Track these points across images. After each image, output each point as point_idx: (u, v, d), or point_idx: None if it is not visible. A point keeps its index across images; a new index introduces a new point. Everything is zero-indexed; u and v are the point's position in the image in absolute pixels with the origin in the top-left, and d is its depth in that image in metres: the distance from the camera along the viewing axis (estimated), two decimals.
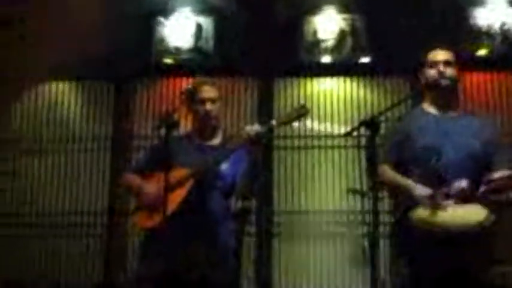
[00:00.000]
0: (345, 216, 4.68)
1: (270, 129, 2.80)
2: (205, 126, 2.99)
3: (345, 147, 4.79)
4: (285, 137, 4.86)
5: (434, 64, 2.67)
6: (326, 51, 4.88)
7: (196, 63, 4.85)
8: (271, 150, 4.82)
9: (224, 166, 2.87)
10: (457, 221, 2.36)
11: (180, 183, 2.78)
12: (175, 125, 2.67)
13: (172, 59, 4.90)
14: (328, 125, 4.90)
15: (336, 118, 4.89)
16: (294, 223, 4.73)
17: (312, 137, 4.88)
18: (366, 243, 4.40)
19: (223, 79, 4.84)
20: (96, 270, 4.79)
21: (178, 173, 2.74)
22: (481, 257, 2.47)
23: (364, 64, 4.84)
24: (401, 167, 2.66)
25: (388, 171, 2.65)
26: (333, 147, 4.84)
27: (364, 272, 4.48)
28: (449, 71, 2.65)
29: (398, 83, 4.84)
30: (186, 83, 4.26)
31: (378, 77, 4.89)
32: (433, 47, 2.73)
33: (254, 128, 2.78)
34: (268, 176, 4.74)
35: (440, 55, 2.69)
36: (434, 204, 2.39)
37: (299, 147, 4.87)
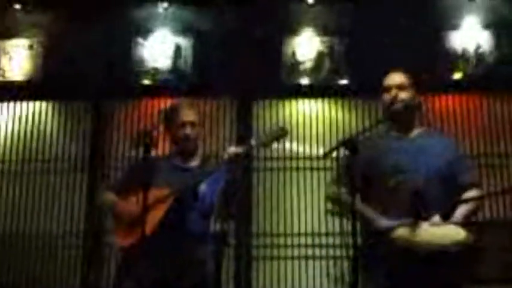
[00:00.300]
0: (325, 239, 4.66)
1: (249, 150, 2.81)
2: (184, 148, 2.99)
3: (325, 169, 4.78)
4: (265, 158, 4.85)
5: (388, 88, 2.69)
6: (304, 72, 4.91)
7: (175, 83, 4.85)
8: (251, 172, 4.79)
9: (203, 187, 2.87)
10: (436, 241, 2.38)
11: (158, 203, 2.76)
12: (152, 144, 2.67)
13: (150, 79, 4.89)
14: (307, 146, 4.90)
15: (314, 140, 4.90)
16: (273, 245, 4.69)
17: (291, 158, 4.87)
18: (346, 265, 4.42)
19: (201, 100, 4.88)
20: None
21: (157, 193, 2.73)
22: (460, 275, 2.48)
23: (342, 86, 4.87)
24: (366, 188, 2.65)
25: (344, 195, 2.62)
26: (312, 168, 4.84)
27: None
28: (403, 95, 2.64)
29: (376, 104, 4.86)
30: (164, 104, 4.22)
31: (356, 99, 4.91)
32: (390, 71, 2.74)
33: (233, 149, 2.79)
34: (247, 197, 4.72)
35: (393, 79, 2.69)
36: (411, 223, 2.40)
37: (278, 169, 4.86)
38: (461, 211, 2.51)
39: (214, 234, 3.59)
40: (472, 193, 2.60)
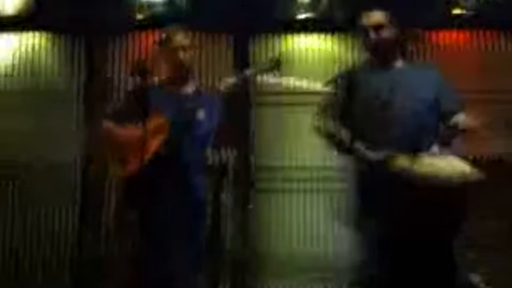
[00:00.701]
0: (324, 172, 4.69)
1: (244, 80, 2.81)
2: (178, 74, 2.97)
3: None
4: (263, 94, 4.82)
5: (366, 28, 2.64)
6: (302, 7, 4.81)
7: (170, 17, 4.74)
8: (249, 107, 4.78)
9: (200, 114, 2.85)
10: (439, 172, 2.30)
11: (155, 132, 2.75)
12: (149, 71, 2.66)
13: (145, 13, 4.78)
14: (305, 81, 4.86)
15: (312, 75, 4.85)
16: (273, 179, 4.73)
17: (290, 93, 4.84)
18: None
19: (197, 34, 4.79)
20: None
21: (153, 121, 2.72)
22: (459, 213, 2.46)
23: (340, 20, 4.78)
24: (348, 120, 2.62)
25: (330, 125, 2.60)
26: (311, 103, 4.81)
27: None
28: (383, 34, 2.61)
29: None
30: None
31: (353, 33, 4.84)
32: (366, 9, 2.70)
33: (229, 79, 2.79)
34: (246, 133, 4.72)
35: (370, 19, 2.65)
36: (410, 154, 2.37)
37: (277, 104, 4.83)
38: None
39: (213, 166, 3.63)
40: (459, 118, 2.54)
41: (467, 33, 4.92)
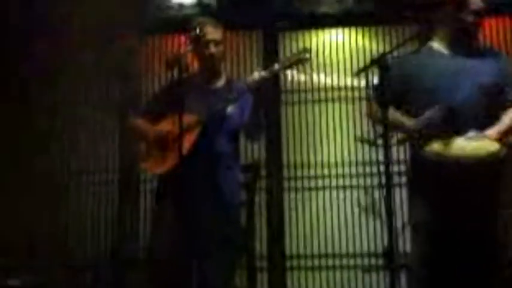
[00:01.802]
0: (354, 168, 4.66)
1: (273, 75, 2.81)
2: (209, 68, 2.99)
3: (353, 98, 4.76)
4: (293, 91, 4.83)
5: (462, 4, 2.57)
6: (329, 1, 4.81)
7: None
8: (279, 105, 4.78)
9: (230, 108, 2.88)
10: (469, 152, 2.34)
11: (188, 130, 2.77)
12: (183, 66, 2.67)
13: (175, 14, 4.84)
14: (335, 77, 4.85)
15: (342, 70, 4.84)
16: (303, 176, 4.71)
17: (319, 90, 4.83)
18: (378, 194, 4.44)
19: (226, 33, 4.82)
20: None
21: (186, 119, 2.73)
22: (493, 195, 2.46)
23: (367, 13, 4.76)
24: (404, 108, 2.63)
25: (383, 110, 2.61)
26: (340, 98, 4.81)
27: (376, 222, 4.51)
28: (477, 19, 2.56)
29: (403, 30, 4.77)
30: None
31: (382, 26, 4.82)
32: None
33: (257, 73, 2.79)
34: (276, 130, 4.72)
35: (473, 4, 2.57)
36: (445, 137, 2.38)
37: (306, 101, 4.82)
38: (498, 126, 2.45)
39: (246, 165, 3.64)
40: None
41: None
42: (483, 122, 2.46)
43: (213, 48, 2.92)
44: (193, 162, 2.76)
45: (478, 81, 2.50)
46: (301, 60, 2.78)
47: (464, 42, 2.63)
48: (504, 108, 2.53)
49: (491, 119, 2.49)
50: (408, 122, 2.53)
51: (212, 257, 2.84)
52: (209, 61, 2.96)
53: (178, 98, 2.67)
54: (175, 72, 2.70)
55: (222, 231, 2.86)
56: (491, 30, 4.72)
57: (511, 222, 2.73)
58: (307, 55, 2.79)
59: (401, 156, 4.15)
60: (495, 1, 4.44)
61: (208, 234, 2.84)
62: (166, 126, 2.89)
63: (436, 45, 2.68)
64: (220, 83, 3.03)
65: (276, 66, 2.80)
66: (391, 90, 2.57)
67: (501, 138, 2.41)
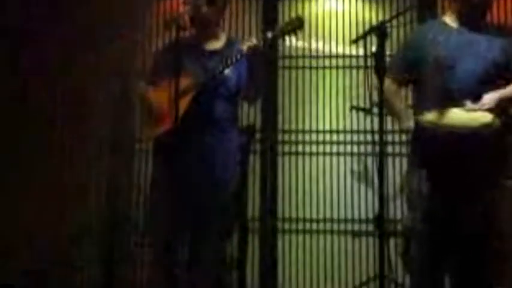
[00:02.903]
0: (349, 136, 4.73)
1: (267, 41, 2.81)
2: (203, 30, 2.97)
3: (350, 67, 4.79)
4: (290, 57, 4.85)
5: None
6: None
7: None
8: (276, 70, 4.81)
9: (228, 70, 2.88)
10: (463, 122, 2.41)
11: (183, 93, 2.78)
12: (181, 27, 2.68)
13: None
14: (333, 45, 4.87)
15: (340, 38, 4.86)
16: (298, 142, 4.77)
17: (317, 57, 4.86)
18: (371, 162, 4.51)
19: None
20: None
21: (183, 81, 2.74)
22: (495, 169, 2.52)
23: None
24: (412, 81, 2.69)
25: (390, 88, 2.67)
26: (337, 67, 4.83)
27: (368, 189, 4.59)
28: None
29: (404, 1, 4.78)
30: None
31: None
32: None
33: (252, 40, 2.80)
34: (272, 94, 4.75)
35: None
36: (442, 108, 2.43)
37: (304, 67, 4.85)
38: (496, 93, 2.50)
39: (242, 128, 3.67)
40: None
41: None
42: (481, 93, 2.51)
43: (205, 9, 2.89)
44: (188, 125, 2.76)
45: (483, 56, 2.55)
46: (294, 28, 2.79)
47: (474, 18, 2.67)
48: (509, 84, 2.58)
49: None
50: (405, 119, 2.56)
51: (205, 225, 2.87)
52: (203, 22, 2.94)
53: (174, 60, 2.66)
54: (173, 33, 2.71)
55: (215, 198, 2.88)
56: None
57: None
58: (301, 23, 2.80)
59: (396, 126, 4.20)
60: None
61: (201, 201, 2.87)
62: (164, 88, 2.89)
63: (448, 19, 2.73)
64: (219, 44, 3.01)
65: (269, 34, 2.80)
66: (404, 57, 2.64)
67: (498, 104, 2.45)
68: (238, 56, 2.79)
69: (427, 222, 2.52)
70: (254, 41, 2.79)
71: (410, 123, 2.53)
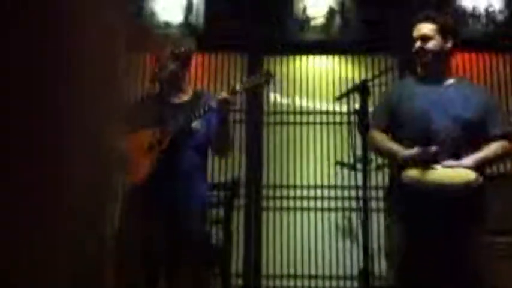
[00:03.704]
0: (333, 191, 4.74)
1: (235, 94, 2.83)
2: (171, 83, 2.99)
3: (334, 123, 4.86)
4: (275, 112, 4.92)
5: (415, 39, 2.67)
6: (315, 29, 4.92)
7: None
8: (262, 125, 4.86)
9: (195, 123, 2.88)
10: (445, 180, 2.41)
11: (153, 145, 2.81)
12: (156, 80, 2.73)
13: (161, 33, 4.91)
14: (317, 101, 4.95)
15: (324, 95, 4.95)
16: (282, 197, 4.78)
17: (301, 113, 4.93)
18: (356, 217, 4.50)
19: (213, 54, 4.93)
20: None
21: (148, 134, 2.76)
22: (475, 223, 2.52)
23: (353, 42, 4.89)
24: (392, 133, 2.72)
25: (376, 135, 2.70)
26: (321, 123, 4.90)
27: (353, 244, 4.57)
28: (429, 45, 2.62)
29: (386, 59, 4.90)
30: None
31: (367, 55, 4.94)
32: (416, 21, 2.71)
33: (223, 94, 2.83)
34: (257, 150, 4.79)
35: (417, 30, 2.67)
36: (424, 164, 2.45)
37: (288, 123, 4.92)
38: (475, 156, 2.51)
39: (224, 184, 3.66)
40: (499, 144, 2.57)
41: (477, 55, 4.97)
42: (464, 153, 2.53)
43: (170, 64, 2.92)
44: (156, 175, 2.76)
45: (453, 113, 2.58)
46: (263, 82, 2.83)
47: (430, 72, 2.70)
48: (487, 142, 2.59)
49: (473, 151, 2.54)
50: (402, 151, 2.56)
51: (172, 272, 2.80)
52: (170, 76, 2.95)
53: (145, 112, 2.73)
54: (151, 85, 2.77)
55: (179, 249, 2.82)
56: (464, 65, 4.89)
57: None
58: (269, 77, 2.83)
59: (380, 182, 4.23)
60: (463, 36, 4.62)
61: (166, 252, 2.80)
62: (135, 139, 2.88)
63: (418, 74, 2.77)
64: (185, 97, 3.03)
65: (238, 87, 2.83)
66: (385, 107, 2.69)
67: (477, 167, 2.47)
68: (206, 108, 2.83)
69: (406, 280, 2.50)
70: (224, 94, 2.82)
71: (405, 152, 2.51)
